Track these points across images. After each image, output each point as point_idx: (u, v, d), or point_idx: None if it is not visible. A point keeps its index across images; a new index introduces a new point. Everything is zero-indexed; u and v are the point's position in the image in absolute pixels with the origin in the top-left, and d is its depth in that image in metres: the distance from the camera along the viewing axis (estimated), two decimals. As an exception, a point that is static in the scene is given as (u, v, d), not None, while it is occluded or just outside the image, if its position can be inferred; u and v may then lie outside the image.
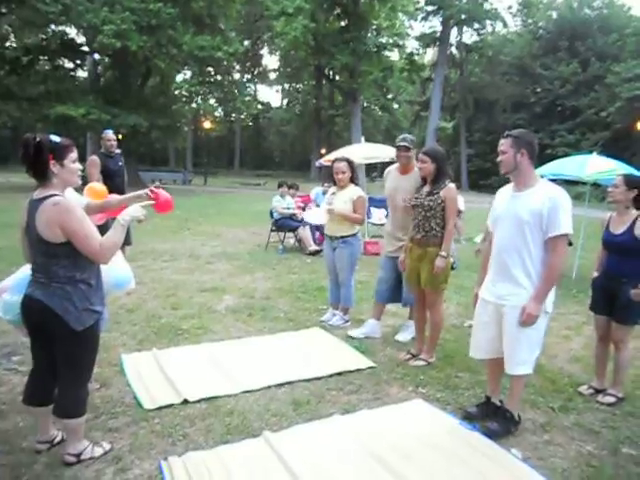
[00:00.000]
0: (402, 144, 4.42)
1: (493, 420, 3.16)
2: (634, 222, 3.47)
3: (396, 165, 4.61)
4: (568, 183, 8.86)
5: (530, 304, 2.90)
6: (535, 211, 2.87)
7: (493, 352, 3.17)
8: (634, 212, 3.51)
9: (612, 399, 3.57)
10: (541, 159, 3.08)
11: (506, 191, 3.13)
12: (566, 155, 9.84)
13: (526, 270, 2.94)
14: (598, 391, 3.71)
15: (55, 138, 2.48)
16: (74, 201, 2.44)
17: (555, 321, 5.30)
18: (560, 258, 2.88)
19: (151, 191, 2.85)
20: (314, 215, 5.10)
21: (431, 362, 4.14)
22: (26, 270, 2.71)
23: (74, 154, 2.53)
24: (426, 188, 4.10)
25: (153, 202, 2.82)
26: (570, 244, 5.73)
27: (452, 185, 4.07)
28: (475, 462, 2.79)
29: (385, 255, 4.72)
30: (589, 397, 3.65)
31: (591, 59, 31.61)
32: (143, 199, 2.84)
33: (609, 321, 3.64)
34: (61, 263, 2.43)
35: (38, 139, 2.42)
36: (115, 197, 3.22)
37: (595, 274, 3.79)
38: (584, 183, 8.76)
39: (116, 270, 3.09)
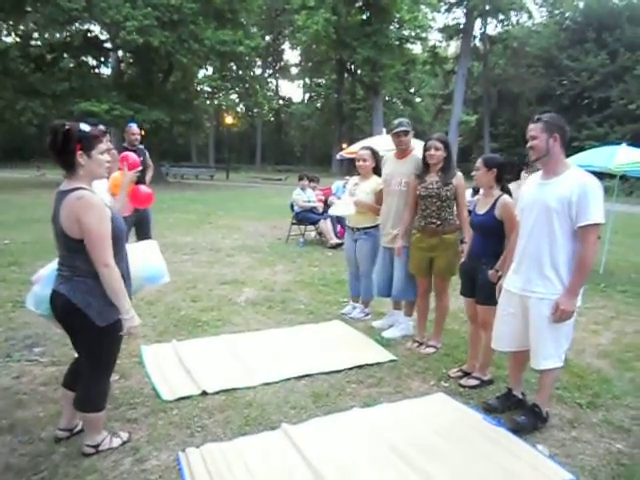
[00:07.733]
0: (402, 129, 4.27)
1: (518, 414, 3.07)
2: (495, 202, 3.42)
3: (394, 151, 4.53)
4: (596, 176, 8.62)
5: (563, 299, 2.78)
6: (564, 199, 2.74)
7: (517, 344, 3.08)
8: (497, 192, 3.48)
9: (475, 382, 3.57)
10: (567, 152, 2.97)
11: (534, 179, 3.02)
12: (594, 148, 9.59)
13: (552, 261, 2.83)
14: (466, 374, 3.69)
15: (85, 127, 2.35)
16: (100, 199, 2.32)
17: (583, 315, 5.16)
18: (591, 249, 2.75)
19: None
20: (340, 207, 4.96)
21: (439, 347, 4.21)
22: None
23: (103, 145, 2.42)
24: (434, 177, 4.03)
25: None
26: (598, 237, 5.57)
27: (460, 173, 4.09)
28: (499, 458, 2.70)
29: (382, 246, 4.64)
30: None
31: (620, 50, 30.67)
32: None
33: (474, 302, 3.59)
34: (83, 257, 2.33)
35: (67, 127, 2.29)
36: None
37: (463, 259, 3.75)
38: (612, 176, 8.54)
39: (149, 264, 2.99)
